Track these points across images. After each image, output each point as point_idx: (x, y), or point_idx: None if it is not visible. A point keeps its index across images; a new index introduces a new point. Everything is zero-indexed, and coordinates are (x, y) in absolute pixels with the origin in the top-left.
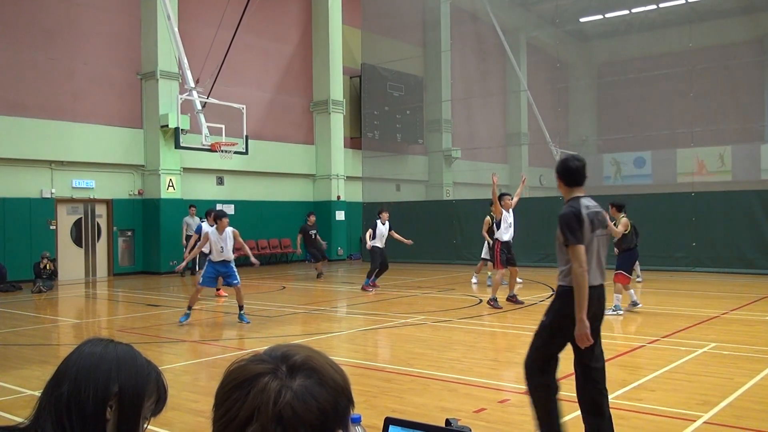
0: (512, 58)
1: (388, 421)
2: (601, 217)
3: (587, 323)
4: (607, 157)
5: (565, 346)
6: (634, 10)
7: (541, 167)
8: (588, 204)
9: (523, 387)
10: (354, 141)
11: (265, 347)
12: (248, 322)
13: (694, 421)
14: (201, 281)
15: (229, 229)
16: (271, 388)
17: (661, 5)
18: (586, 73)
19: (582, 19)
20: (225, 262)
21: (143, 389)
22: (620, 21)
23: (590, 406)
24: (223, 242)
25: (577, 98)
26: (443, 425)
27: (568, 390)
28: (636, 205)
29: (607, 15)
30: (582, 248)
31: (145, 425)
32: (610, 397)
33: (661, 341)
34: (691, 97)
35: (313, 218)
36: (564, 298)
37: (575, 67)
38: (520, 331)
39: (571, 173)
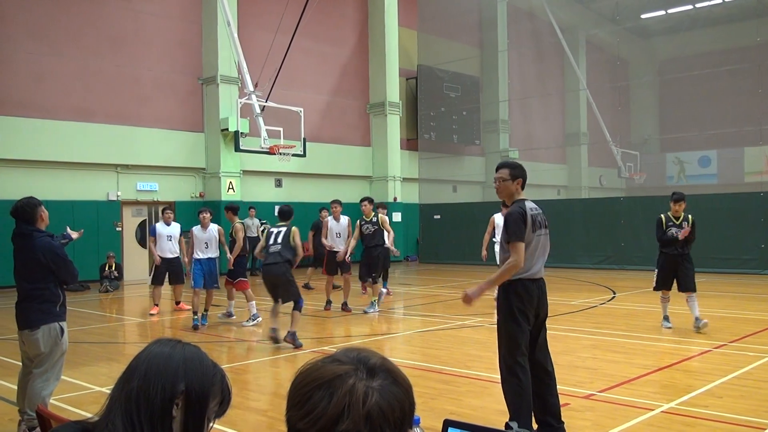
0: (571, 56)
1: (448, 424)
2: (542, 218)
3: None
4: (670, 157)
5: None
6: (698, 5)
7: (600, 167)
8: (531, 206)
9: (585, 392)
10: (410, 142)
11: (326, 347)
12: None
13: (764, 429)
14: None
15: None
16: (358, 389)
17: None
18: (648, 71)
19: (643, 16)
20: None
21: (209, 390)
22: (683, 16)
23: (543, 406)
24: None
25: (638, 96)
26: (503, 429)
27: (631, 395)
28: (701, 206)
29: (669, 11)
30: (522, 245)
31: (210, 425)
32: (674, 402)
33: (729, 346)
34: (760, 94)
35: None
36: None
37: (636, 65)
38: (580, 334)
39: (525, 177)
